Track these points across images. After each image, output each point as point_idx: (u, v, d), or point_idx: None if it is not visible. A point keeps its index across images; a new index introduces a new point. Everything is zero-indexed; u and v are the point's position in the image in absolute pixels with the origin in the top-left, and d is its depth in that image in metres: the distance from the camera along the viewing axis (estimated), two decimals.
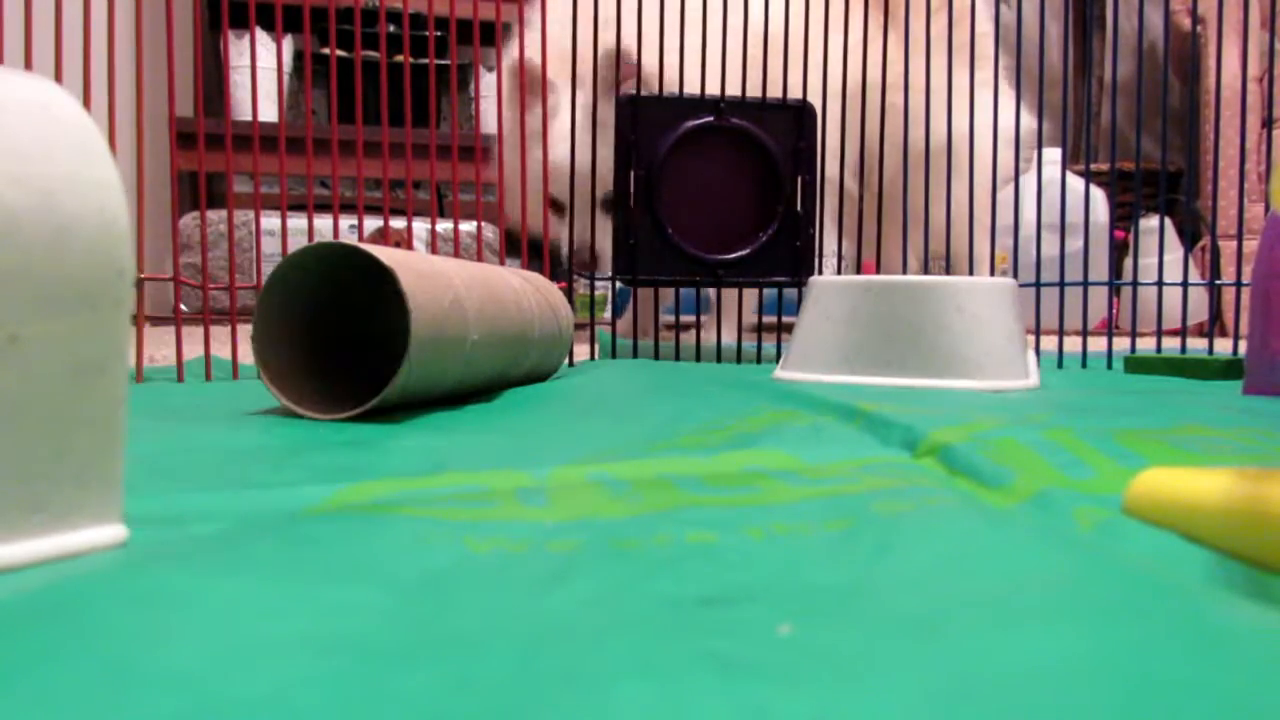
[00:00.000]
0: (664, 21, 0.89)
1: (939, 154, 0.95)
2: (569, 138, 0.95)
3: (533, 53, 0.97)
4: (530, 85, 0.99)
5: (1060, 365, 0.93)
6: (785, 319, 0.99)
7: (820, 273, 0.94)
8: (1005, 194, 1.17)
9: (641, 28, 0.89)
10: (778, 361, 0.78)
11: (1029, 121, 1.15)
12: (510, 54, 0.98)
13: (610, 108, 0.89)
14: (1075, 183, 1.42)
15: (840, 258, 1.09)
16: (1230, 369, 0.76)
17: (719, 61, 0.91)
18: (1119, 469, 0.34)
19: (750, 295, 1.07)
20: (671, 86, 0.90)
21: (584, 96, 0.95)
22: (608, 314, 0.96)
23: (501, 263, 0.89)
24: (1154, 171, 1.84)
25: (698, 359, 0.93)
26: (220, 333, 0.85)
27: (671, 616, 0.19)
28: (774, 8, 0.95)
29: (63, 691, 0.15)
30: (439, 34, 1.93)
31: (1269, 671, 0.17)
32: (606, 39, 0.91)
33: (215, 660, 0.17)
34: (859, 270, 0.99)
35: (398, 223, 1.66)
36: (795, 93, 0.91)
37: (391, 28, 1.84)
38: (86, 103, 0.70)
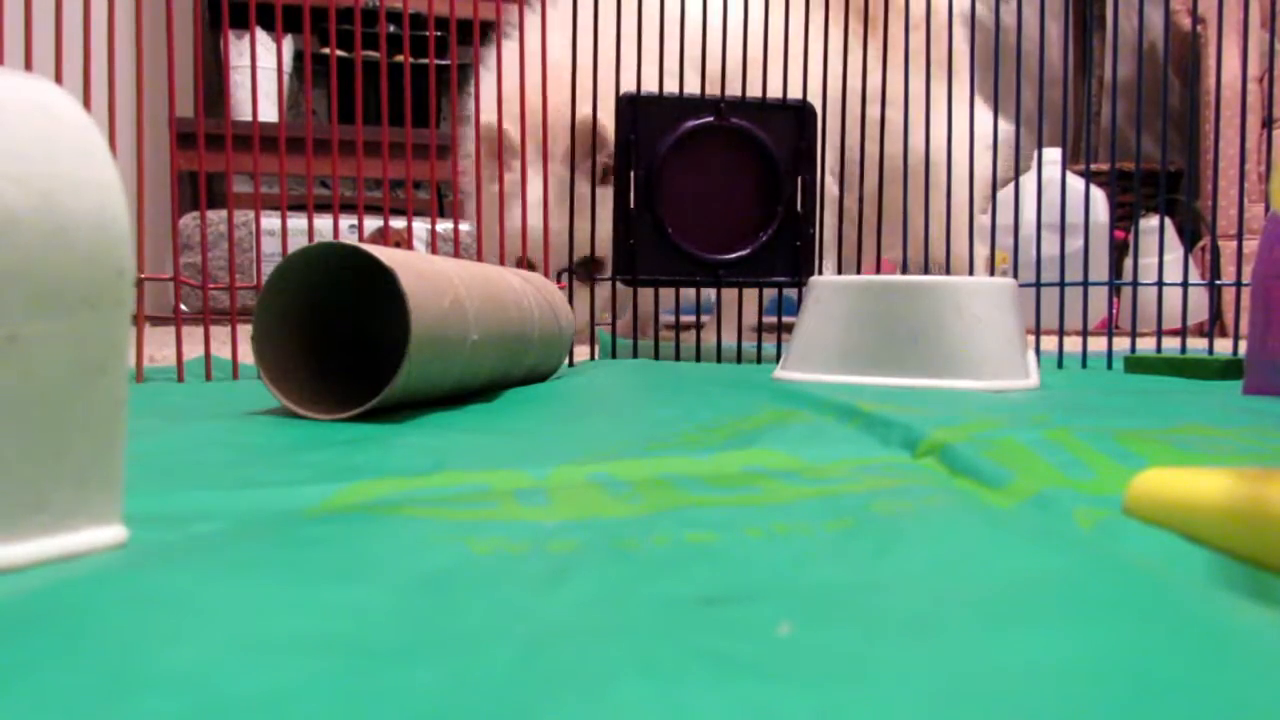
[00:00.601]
0: (664, 20, 0.89)
1: (922, 164, 0.95)
2: (542, 199, 0.95)
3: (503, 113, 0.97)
4: (502, 149, 0.99)
5: (1060, 365, 0.93)
6: (785, 319, 0.99)
7: (821, 273, 0.94)
8: (1005, 194, 1.17)
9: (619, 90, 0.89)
10: (778, 361, 0.78)
11: (1007, 128, 1.15)
12: (482, 114, 0.98)
13: (584, 178, 0.90)
14: (1075, 183, 1.41)
15: (839, 261, 1.10)
16: (1230, 369, 0.76)
17: (719, 62, 0.91)
18: (1119, 469, 0.34)
19: (761, 296, 1.07)
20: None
21: (556, 165, 0.97)
22: (608, 315, 0.96)
23: (501, 263, 0.89)
24: (1154, 171, 1.84)
25: (698, 359, 0.93)
26: (220, 333, 0.85)
27: (671, 616, 0.19)
28: (749, 13, 0.95)
29: (63, 692, 0.15)
30: (439, 34, 1.93)
31: (1269, 671, 0.17)
32: (583, 110, 0.92)
33: (215, 660, 0.17)
34: (859, 271, 0.99)
35: (398, 223, 1.66)
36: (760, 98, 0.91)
37: (391, 28, 1.84)
38: (86, 103, 0.70)
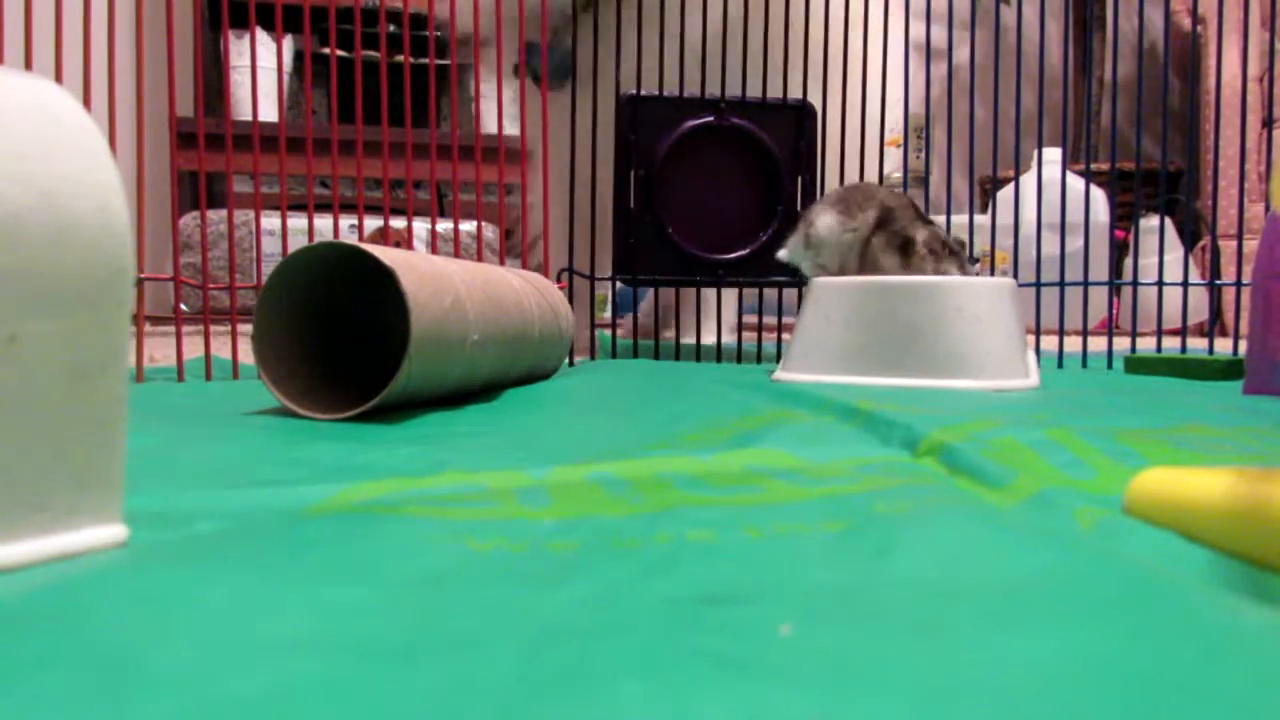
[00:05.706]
0: (664, 19, 0.89)
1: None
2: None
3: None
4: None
5: (1060, 365, 0.93)
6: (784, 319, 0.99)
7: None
8: (1005, 194, 1.17)
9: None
10: (778, 361, 0.78)
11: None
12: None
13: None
14: (1075, 182, 1.41)
15: None
16: (1230, 369, 0.76)
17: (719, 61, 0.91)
18: (1119, 469, 0.34)
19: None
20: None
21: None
22: (608, 314, 0.96)
23: (501, 263, 0.89)
24: (1154, 171, 1.84)
25: (698, 359, 0.93)
26: (220, 333, 0.85)
27: (671, 616, 0.19)
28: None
29: (64, 691, 0.15)
30: (439, 34, 1.93)
31: (1269, 671, 0.17)
32: None
33: (215, 660, 0.17)
34: None
35: (398, 223, 1.66)
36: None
37: (391, 28, 1.84)
38: (86, 103, 0.70)
